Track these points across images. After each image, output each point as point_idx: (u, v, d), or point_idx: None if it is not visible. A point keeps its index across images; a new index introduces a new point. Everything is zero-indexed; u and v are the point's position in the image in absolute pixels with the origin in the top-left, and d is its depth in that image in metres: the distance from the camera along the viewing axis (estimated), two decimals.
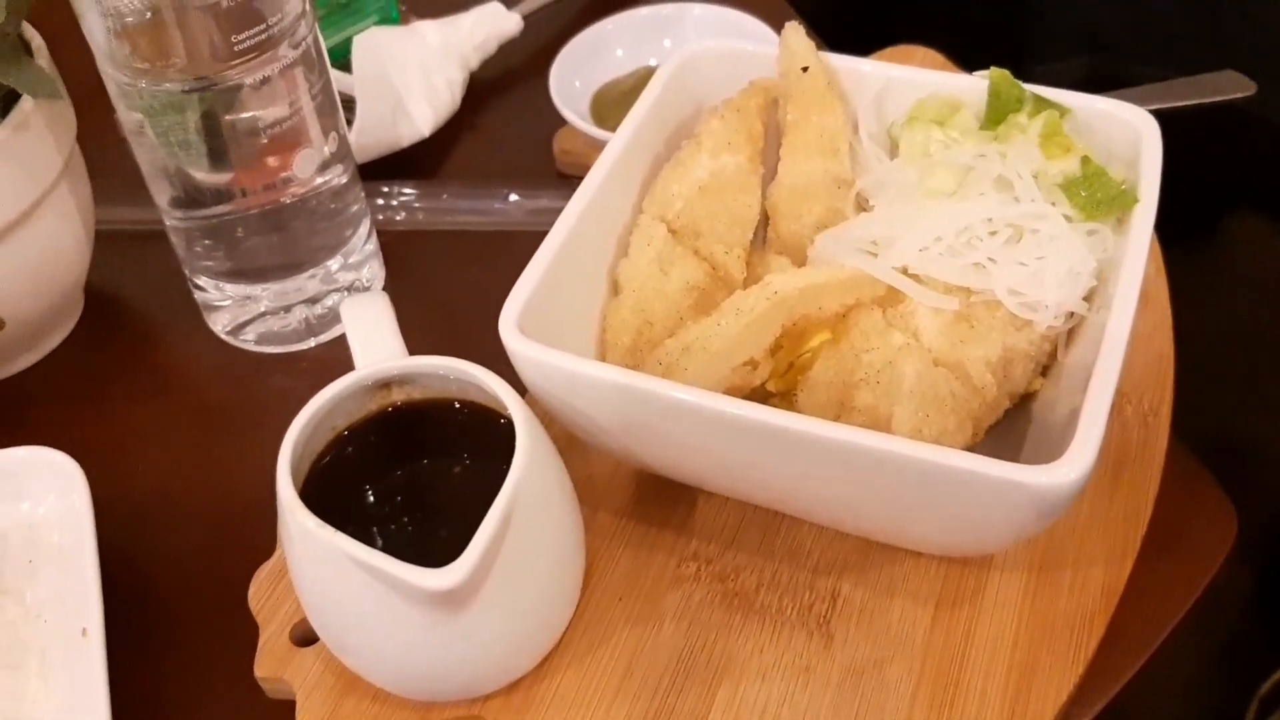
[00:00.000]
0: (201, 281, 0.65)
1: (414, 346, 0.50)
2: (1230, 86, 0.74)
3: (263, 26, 0.55)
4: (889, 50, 0.74)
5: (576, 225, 0.52)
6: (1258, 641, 1.19)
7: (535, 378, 0.48)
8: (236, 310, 0.66)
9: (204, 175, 0.59)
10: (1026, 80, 0.55)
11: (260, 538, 0.55)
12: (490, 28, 0.81)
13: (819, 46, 0.58)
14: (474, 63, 0.81)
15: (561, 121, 0.74)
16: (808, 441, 0.43)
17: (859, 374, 0.48)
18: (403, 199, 0.74)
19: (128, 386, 0.67)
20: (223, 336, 0.67)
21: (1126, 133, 0.52)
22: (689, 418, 0.46)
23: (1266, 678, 1.08)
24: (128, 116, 0.58)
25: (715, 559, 0.53)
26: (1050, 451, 0.43)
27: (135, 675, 0.52)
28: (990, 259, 0.49)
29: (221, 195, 0.60)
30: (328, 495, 0.46)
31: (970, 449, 0.48)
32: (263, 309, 0.66)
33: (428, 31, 0.79)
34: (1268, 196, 1.27)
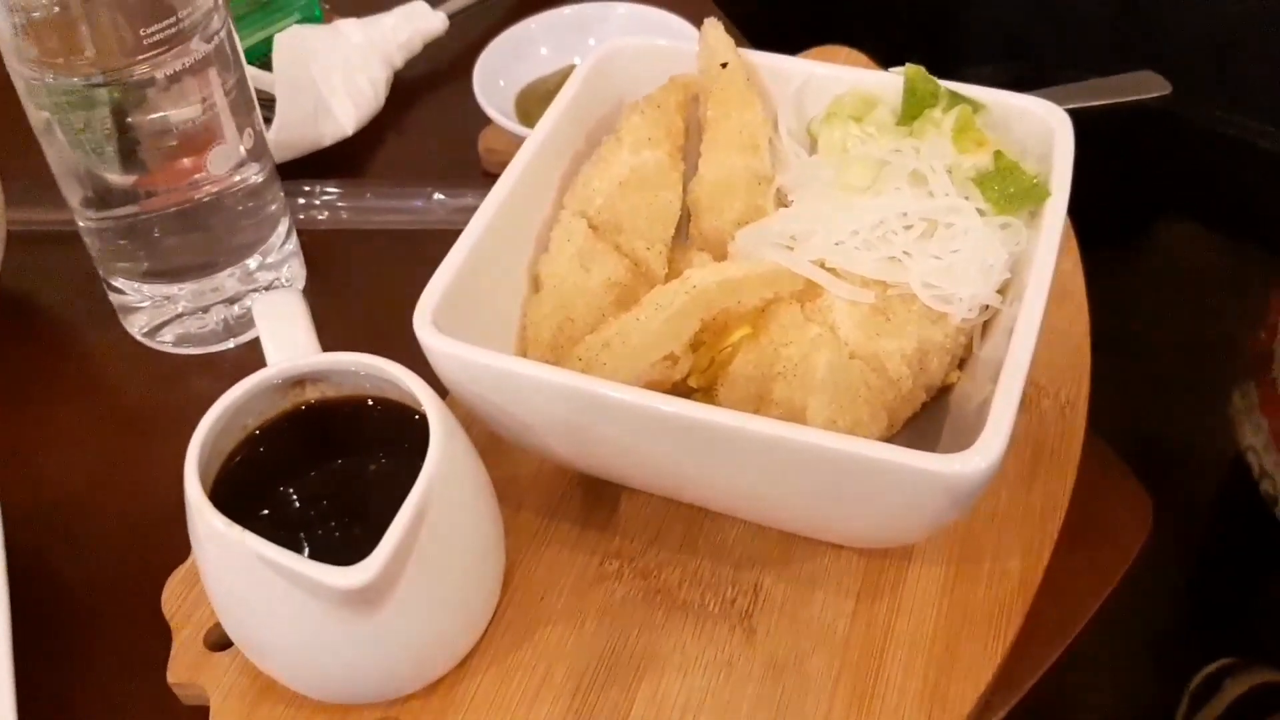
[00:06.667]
0: (117, 283, 0.64)
1: (336, 345, 0.49)
2: (1147, 86, 0.75)
3: (173, 20, 0.54)
4: (812, 51, 0.75)
5: (494, 220, 0.51)
6: (1188, 637, 1.21)
7: (452, 374, 0.48)
8: (154, 311, 0.65)
9: (115, 175, 0.58)
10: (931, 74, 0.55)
11: (176, 542, 0.54)
12: (415, 26, 0.80)
13: (740, 44, 0.59)
14: (398, 61, 0.80)
15: (486, 120, 0.74)
16: (722, 433, 0.43)
17: (777, 367, 0.48)
18: (325, 198, 0.73)
19: (42, 390, 0.65)
20: (139, 338, 0.66)
21: (1040, 128, 0.53)
22: (607, 412, 0.45)
23: (1197, 672, 1.10)
24: (36, 115, 0.57)
25: (638, 556, 0.53)
26: (966, 442, 0.43)
27: (45, 683, 0.50)
28: (905, 252, 0.49)
29: (133, 194, 0.59)
30: (239, 495, 0.45)
31: (888, 440, 0.48)
32: (180, 309, 0.64)
33: (351, 30, 0.78)
34: (1193, 196, 1.30)
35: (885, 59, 0.74)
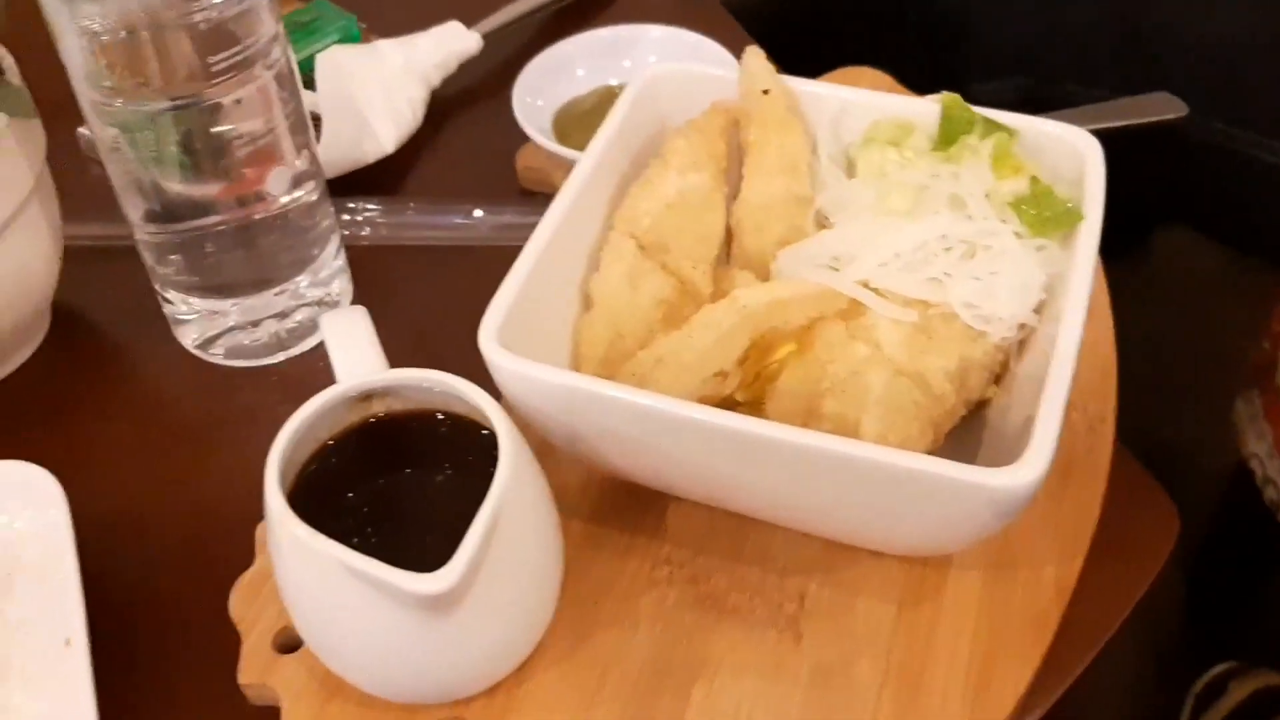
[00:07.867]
0: (170, 295, 0.66)
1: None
2: (1163, 108, 0.78)
3: (238, 49, 0.56)
4: (838, 72, 0.77)
5: (550, 241, 0.54)
6: (1192, 641, 1.23)
7: (515, 389, 0.50)
8: (205, 324, 0.67)
9: (179, 189, 0.60)
10: (963, 99, 0.57)
11: (233, 548, 0.56)
12: (450, 46, 0.82)
13: (776, 69, 0.61)
14: (435, 80, 0.82)
15: (523, 138, 0.76)
16: (781, 447, 0.45)
17: (825, 384, 0.50)
18: (367, 215, 0.75)
19: (96, 401, 0.67)
20: (192, 350, 0.68)
21: (1070, 154, 0.55)
22: (665, 425, 0.47)
23: (1200, 676, 1.12)
24: (103, 131, 0.59)
25: (687, 563, 0.55)
26: (1005, 454, 0.45)
27: (118, 686, 0.52)
28: (946, 274, 0.52)
29: (195, 210, 0.61)
30: (313, 504, 0.47)
31: (931, 453, 0.51)
32: (231, 324, 0.66)
33: (388, 50, 0.80)
34: (1197, 208, 1.32)
35: (896, 75, 0.77)
